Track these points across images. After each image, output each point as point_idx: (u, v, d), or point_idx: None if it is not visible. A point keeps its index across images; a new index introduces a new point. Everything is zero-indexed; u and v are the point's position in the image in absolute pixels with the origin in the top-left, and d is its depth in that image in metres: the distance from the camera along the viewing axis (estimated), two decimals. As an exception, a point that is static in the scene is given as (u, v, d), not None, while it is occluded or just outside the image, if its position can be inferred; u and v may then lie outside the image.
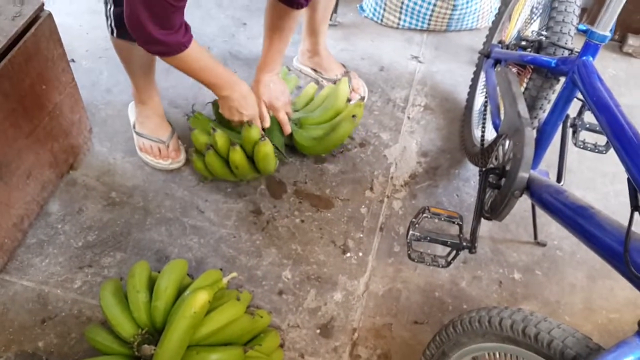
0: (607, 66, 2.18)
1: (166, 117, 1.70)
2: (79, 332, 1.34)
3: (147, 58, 1.49)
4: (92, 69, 1.90)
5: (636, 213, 0.81)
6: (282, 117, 1.59)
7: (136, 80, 1.56)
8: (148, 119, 1.63)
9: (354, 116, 1.61)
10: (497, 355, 0.99)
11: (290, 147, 1.69)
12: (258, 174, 1.58)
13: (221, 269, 1.32)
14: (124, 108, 1.77)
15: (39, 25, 1.30)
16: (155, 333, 1.17)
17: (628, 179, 0.83)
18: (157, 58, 1.39)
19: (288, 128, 1.61)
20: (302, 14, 1.54)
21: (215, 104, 1.61)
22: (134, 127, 1.67)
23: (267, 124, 1.56)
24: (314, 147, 1.64)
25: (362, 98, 1.87)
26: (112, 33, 1.38)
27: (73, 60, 1.90)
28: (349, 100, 1.71)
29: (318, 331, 1.40)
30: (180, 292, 1.21)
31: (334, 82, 1.74)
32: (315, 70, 1.95)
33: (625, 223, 0.81)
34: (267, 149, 1.49)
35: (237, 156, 1.49)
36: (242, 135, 1.51)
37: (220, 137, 1.49)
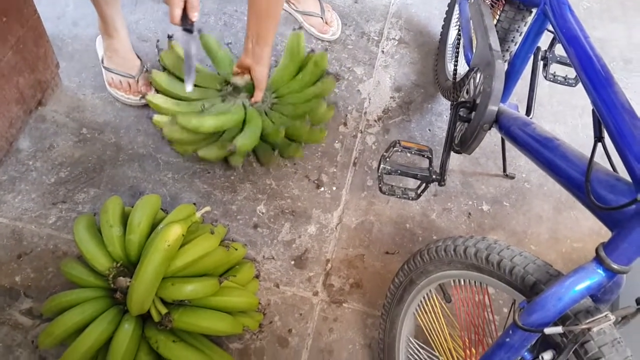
0: (582, -2, 2.16)
1: (135, 51, 1.66)
2: (55, 266, 1.35)
3: None
4: (56, 1, 1.83)
5: (599, 144, 0.83)
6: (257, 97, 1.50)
7: (101, 10, 1.50)
8: (116, 52, 1.59)
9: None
10: (462, 282, 1.02)
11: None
12: None
13: (194, 204, 1.33)
14: (92, 42, 1.71)
15: (-5, -48, 1.24)
16: (130, 266, 1.19)
17: (593, 110, 0.84)
18: None
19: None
20: None
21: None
22: (102, 62, 1.63)
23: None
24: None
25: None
26: None
27: (36, -9, 1.82)
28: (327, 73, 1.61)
29: (292, 262, 1.44)
30: (154, 226, 1.22)
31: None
32: (288, 2, 1.90)
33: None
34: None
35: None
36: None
37: (157, 99, 1.50)
